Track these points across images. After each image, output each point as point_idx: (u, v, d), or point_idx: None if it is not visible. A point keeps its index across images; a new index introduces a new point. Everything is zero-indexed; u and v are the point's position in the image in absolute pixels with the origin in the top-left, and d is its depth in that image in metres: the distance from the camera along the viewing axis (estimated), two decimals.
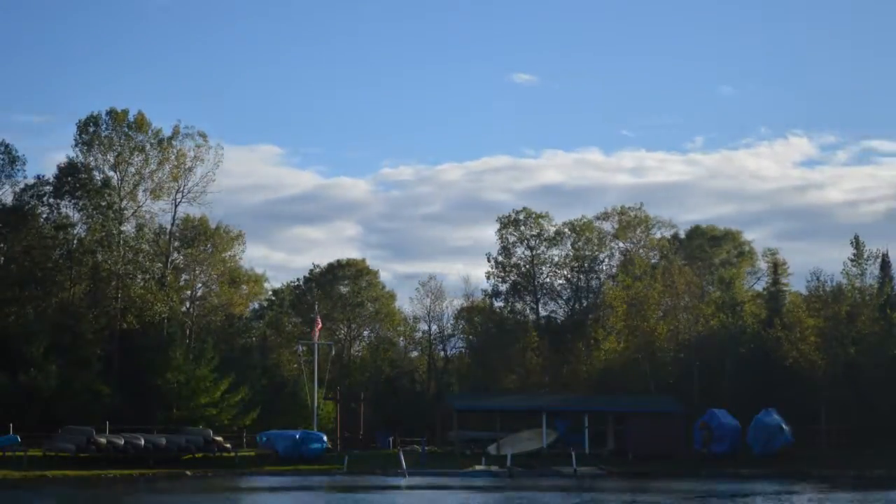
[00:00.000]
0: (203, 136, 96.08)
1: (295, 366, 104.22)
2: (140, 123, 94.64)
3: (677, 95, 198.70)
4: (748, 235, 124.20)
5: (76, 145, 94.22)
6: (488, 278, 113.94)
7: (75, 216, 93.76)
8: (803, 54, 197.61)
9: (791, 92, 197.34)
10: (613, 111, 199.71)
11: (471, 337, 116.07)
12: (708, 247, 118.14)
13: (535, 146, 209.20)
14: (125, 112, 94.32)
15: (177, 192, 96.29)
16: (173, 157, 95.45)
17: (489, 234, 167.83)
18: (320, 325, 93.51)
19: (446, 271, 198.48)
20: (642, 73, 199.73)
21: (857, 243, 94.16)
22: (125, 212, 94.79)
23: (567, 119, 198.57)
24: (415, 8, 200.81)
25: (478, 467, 78.00)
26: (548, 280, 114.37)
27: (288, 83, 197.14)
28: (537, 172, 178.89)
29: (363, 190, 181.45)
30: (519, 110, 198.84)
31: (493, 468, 77.45)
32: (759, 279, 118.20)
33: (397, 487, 67.02)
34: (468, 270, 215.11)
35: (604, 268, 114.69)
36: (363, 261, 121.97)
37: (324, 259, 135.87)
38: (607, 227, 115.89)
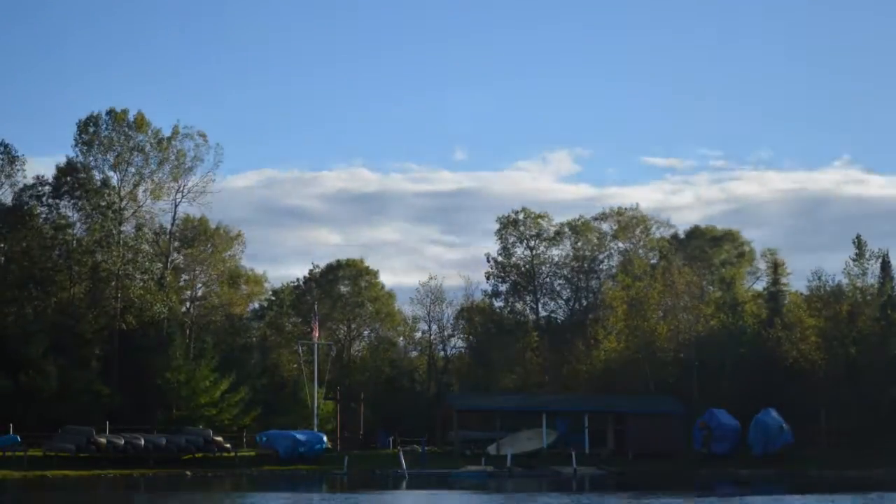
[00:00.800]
0: (203, 136, 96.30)
1: (295, 366, 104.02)
2: (140, 123, 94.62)
3: (433, 111, 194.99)
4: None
5: (76, 145, 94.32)
6: (488, 278, 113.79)
7: (74, 216, 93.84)
8: (548, 69, 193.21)
9: (546, 110, 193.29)
10: (374, 126, 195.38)
11: (471, 337, 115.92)
12: (707, 247, 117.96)
13: (303, 159, 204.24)
14: (125, 112, 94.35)
15: (177, 192, 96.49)
16: (173, 157, 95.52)
17: (319, 236, 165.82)
18: (316, 330, 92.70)
19: (289, 273, 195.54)
20: (388, 89, 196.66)
21: (858, 243, 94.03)
22: (125, 212, 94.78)
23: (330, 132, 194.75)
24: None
25: (470, 468, 77.95)
26: (547, 280, 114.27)
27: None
28: (322, 181, 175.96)
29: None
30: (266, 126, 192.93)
31: (489, 468, 77.36)
32: (758, 279, 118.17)
33: (397, 487, 66.98)
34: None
35: (603, 268, 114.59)
36: (362, 261, 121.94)
37: None
38: (606, 227, 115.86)
